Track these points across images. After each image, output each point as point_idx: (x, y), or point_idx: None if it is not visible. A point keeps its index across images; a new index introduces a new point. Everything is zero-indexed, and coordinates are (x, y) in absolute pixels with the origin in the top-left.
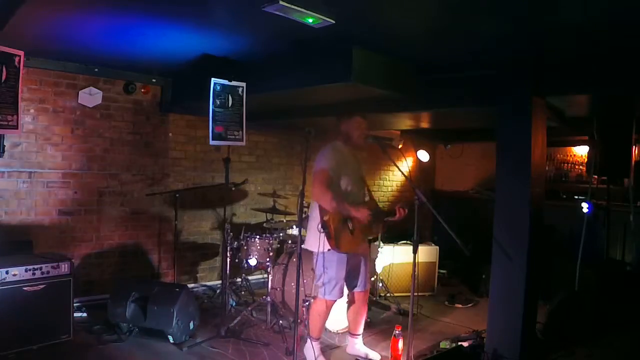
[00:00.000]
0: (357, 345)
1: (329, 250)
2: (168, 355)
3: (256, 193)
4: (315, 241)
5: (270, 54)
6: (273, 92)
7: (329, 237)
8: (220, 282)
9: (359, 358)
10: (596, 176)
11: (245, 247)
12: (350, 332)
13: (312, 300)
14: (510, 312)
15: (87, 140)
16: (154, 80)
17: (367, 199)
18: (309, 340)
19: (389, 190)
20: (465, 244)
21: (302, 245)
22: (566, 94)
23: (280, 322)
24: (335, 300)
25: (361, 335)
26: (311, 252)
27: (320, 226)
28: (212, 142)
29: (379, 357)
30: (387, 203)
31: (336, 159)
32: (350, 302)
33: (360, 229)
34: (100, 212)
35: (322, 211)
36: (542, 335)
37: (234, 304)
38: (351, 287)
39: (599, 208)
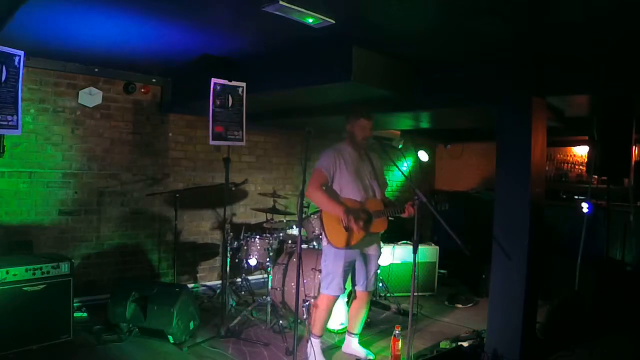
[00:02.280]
0: (353, 344)
1: (327, 243)
2: (168, 355)
3: (256, 193)
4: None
5: (270, 54)
6: (273, 92)
7: (325, 234)
8: (220, 282)
9: (359, 358)
10: (596, 176)
11: (245, 247)
12: (348, 330)
13: (312, 300)
14: (510, 312)
15: (87, 140)
16: (154, 80)
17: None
18: (310, 338)
19: (389, 190)
20: (465, 244)
21: None
22: (566, 94)
23: (280, 322)
24: (336, 297)
25: (358, 335)
26: (313, 251)
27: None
28: (212, 142)
29: (373, 356)
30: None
31: (333, 160)
32: (354, 300)
33: (359, 225)
34: (100, 212)
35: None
36: (542, 335)
37: (234, 303)
38: (353, 284)
39: (599, 208)
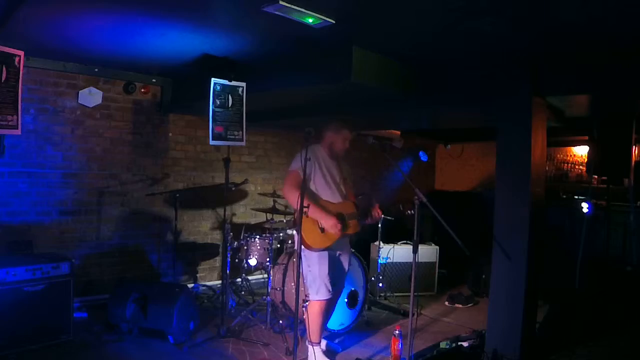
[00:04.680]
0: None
1: (306, 249)
2: (168, 355)
3: (256, 193)
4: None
5: (270, 54)
6: (273, 92)
7: (299, 235)
8: (220, 282)
9: (359, 358)
10: (596, 176)
11: (245, 247)
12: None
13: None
14: (510, 312)
15: (87, 140)
16: (154, 80)
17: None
18: (309, 346)
19: (389, 190)
20: (466, 244)
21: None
22: (566, 94)
23: (280, 322)
24: (326, 300)
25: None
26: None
27: (292, 224)
28: (212, 142)
29: (340, 349)
30: (386, 202)
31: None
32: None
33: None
34: (100, 212)
35: (295, 210)
36: (542, 335)
37: (234, 304)
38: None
39: (599, 208)
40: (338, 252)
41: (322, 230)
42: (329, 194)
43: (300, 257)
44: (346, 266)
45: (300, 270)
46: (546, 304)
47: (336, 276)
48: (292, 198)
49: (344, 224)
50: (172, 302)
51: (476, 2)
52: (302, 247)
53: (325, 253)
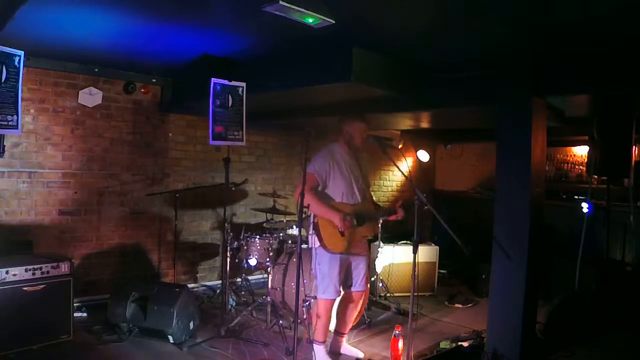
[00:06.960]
0: (345, 344)
1: (320, 247)
2: (168, 355)
3: (256, 193)
4: (311, 238)
5: (270, 53)
6: (273, 92)
7: (320, 239)
8: (220, 282)
9: (359, 358)
10: (596, 176)
11: (245, 247)
12: (339, 330)
13: (312, 300)
14: (510, 312)
15: (87, 140)
16: (154, 80)
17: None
18: (314, 345)
19: (389, 190)
20: (465, 244)
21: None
22: (566, 94)
23: (280, 322)
24: (333, 300)
25: (346, 335)
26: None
27: (312, 227)
28: (212, 142)
29: (362, 355)
30: (387, 203)
31: (325, 164)
32: (343, 301)
33: (352, 229)
34: (100, 212)
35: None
36: (542, 335)
37: (234, 304)
38: (346, 287)
39: (599, 208)
40: (353, 255)
41: (342, 234)
42: (347, 196)
43: (300, 258)
44: (364, 266)
45: (301, 270)
46: (546, 304)
47: (352, 277)
48: (307, 202)
49: (360, 224)
50: (172, 302)
51: (476, 2)
52: (317, 244)
53: (337, 256)
